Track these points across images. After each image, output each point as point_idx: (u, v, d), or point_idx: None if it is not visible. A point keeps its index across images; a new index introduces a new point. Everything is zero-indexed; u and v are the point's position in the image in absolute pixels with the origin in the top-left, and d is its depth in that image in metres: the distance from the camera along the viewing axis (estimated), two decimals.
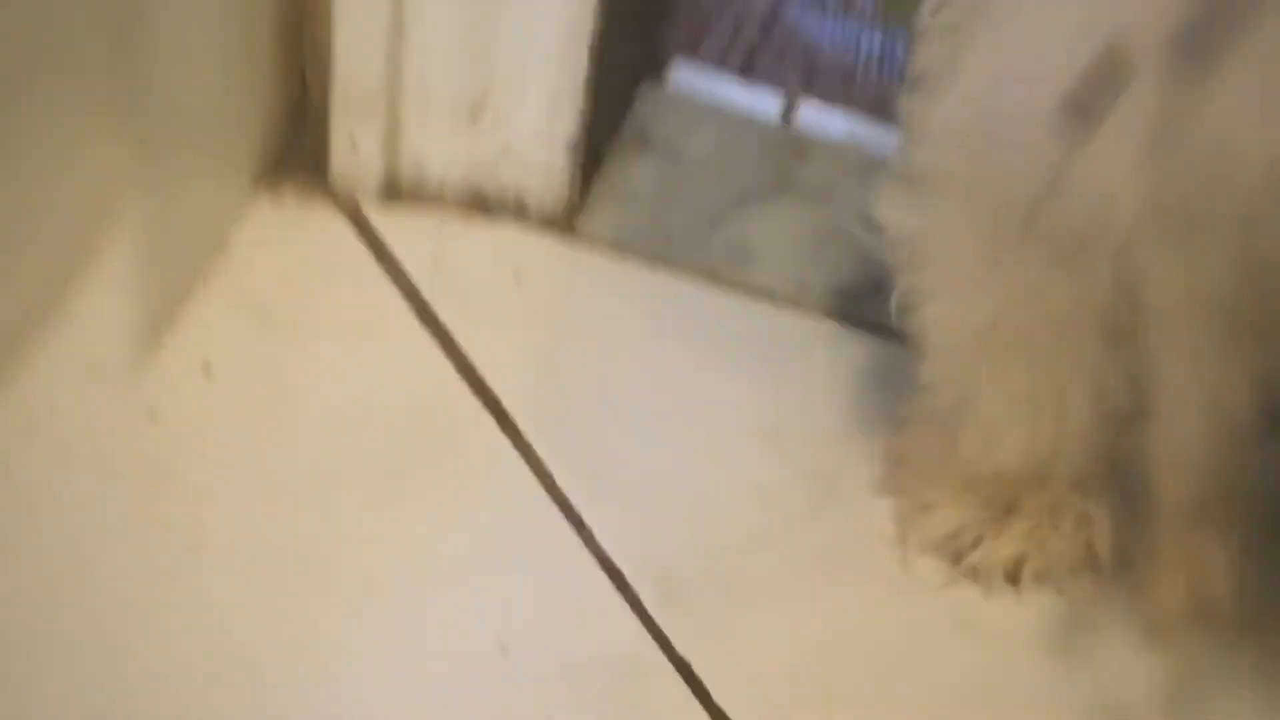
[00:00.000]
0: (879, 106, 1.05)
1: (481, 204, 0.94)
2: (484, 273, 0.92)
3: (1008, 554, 0.84)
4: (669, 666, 0.79)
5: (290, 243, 0.92)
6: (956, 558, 0.85)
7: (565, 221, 0.94)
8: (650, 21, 1.03)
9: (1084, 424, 0.80)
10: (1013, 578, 0.84)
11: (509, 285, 0.92)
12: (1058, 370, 0.79)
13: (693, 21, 1.08)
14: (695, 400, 0.89)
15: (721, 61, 1.07)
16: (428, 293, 0.91)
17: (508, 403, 0.87)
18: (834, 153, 1.01)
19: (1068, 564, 0.85)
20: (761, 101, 1.04)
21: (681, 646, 0.80)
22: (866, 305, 0.93)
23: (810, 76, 1.07)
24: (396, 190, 0.94)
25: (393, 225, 0.93)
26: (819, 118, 1.04)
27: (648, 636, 0.80)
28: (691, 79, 1.04)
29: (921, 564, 0.85)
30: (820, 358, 0.91)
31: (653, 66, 1.03)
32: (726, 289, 0.94)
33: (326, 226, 0.93)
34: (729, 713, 0.78)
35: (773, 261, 0.95)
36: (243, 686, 0.76)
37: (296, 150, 0.94)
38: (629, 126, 0.99)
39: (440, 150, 0.93)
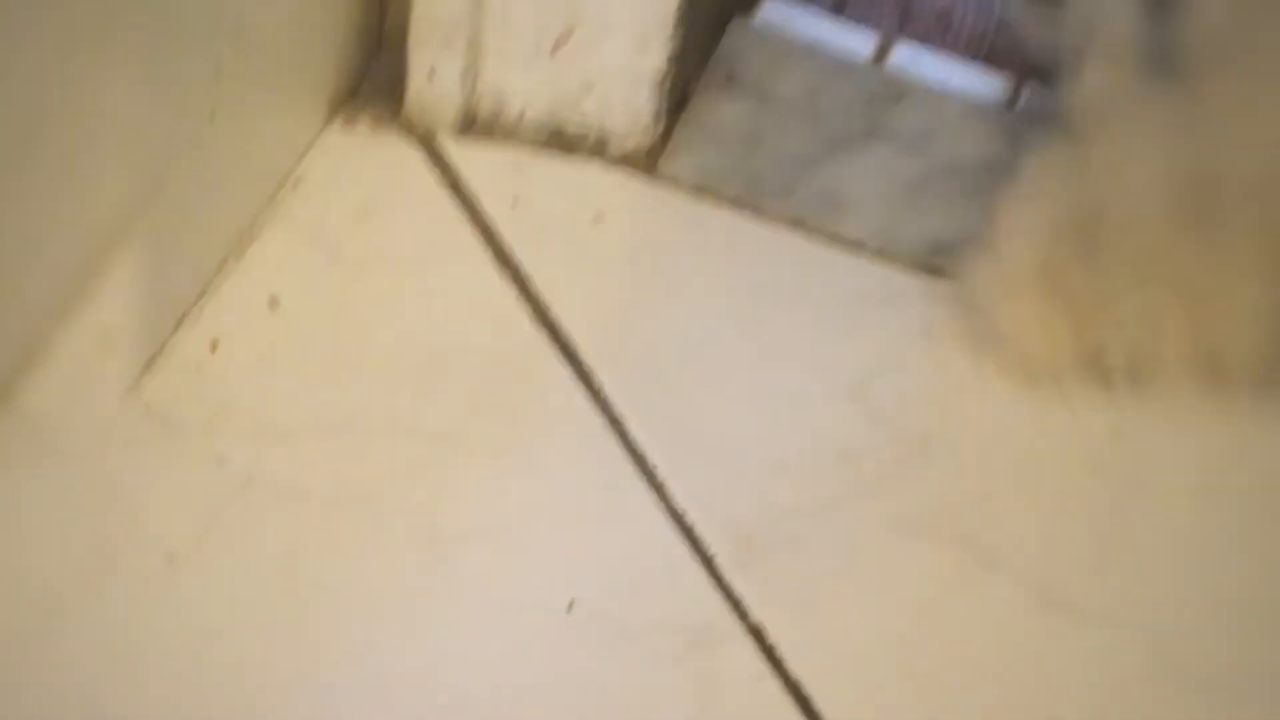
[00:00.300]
0: (978, 49, 1.01)
1: (562, 140, 0.90)
2: (562, 212, 0.89)
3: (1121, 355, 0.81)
4: (743, 633, 0.76)
5: (363, 175, 0.88)
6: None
7: (648, 161, 0.91)
8: None
9: None
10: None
11: (588, 226, 0.89)
12: None
13: None
14: (778, 353, 0.85)
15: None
16: (504, 231, 0.87)
17: (583, 349, 0.84)
18: (930, 98, 0.97)
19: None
20: (854, 41, 1.00)
21: (757, 612, 0.77)
22: (963, 259, 0.89)
23: (906, 16, 1.03)
24: (474, 123, 0.90)
25: (469, 160, 0.90)
26: (915, 60, 1.00)
27: (722, 600, 0.77)
28: (783, 16, 1.00)
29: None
30: (910, 313, 0.87)
31: (743, 2, 0.99)
32: (814, 238, 0.90)
33: (401, 159, 0.89)
34: (804, 684, 0.75)
35: (863, 211, 0.91)
36: (286, 633, 0.73)
37: (372, 79, 0.91)
38: (716, 64, 0.95)
39: (521, 83, 0.89)
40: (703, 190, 0.90)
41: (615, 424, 0.81)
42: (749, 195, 0.90)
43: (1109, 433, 0.83)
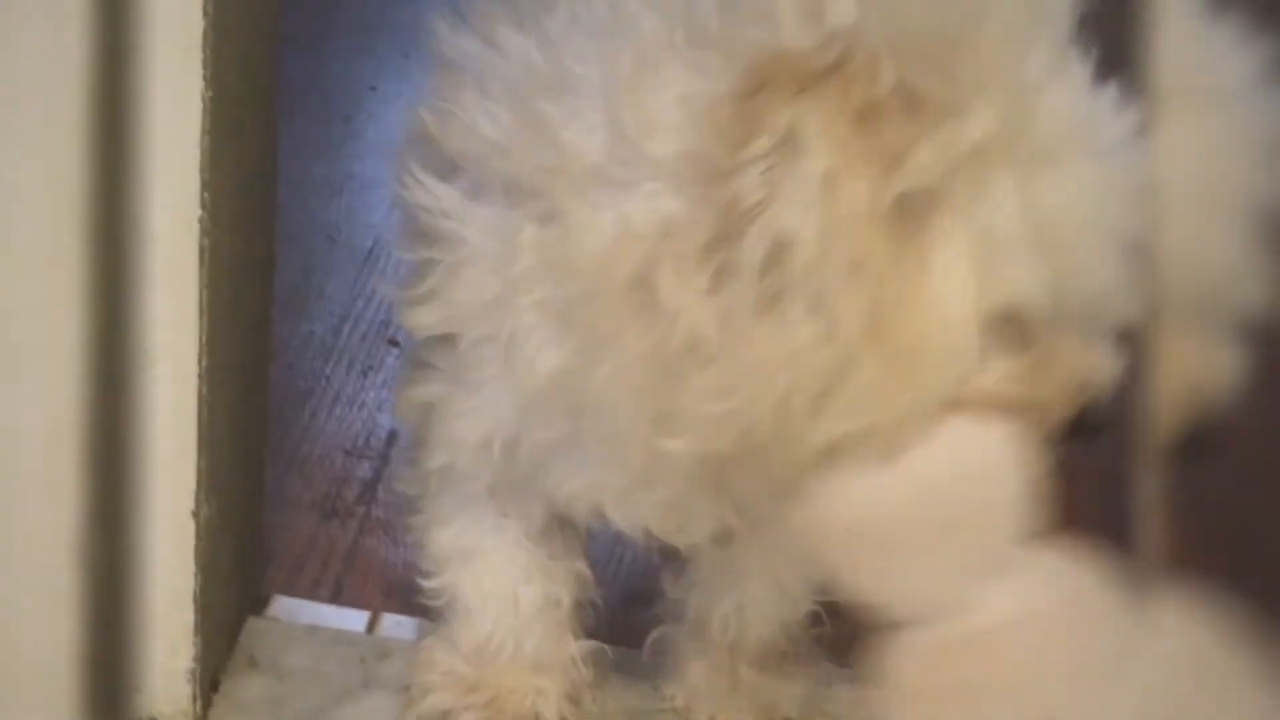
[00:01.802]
0: None
1: None
2: None
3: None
4: None
5: None
6: None
7: None
8: (248, 566, 1.26)
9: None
10: None
11: None
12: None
13: (287, 562, 1.32)
14: None
15: (314, 592, 1.30)
16: None
17: None
18: (410, 651, 1.24)
19: None
20: (350, 618, 1.28)
21: None
22: None
23: (389, 592, 1.31)
24: None
25: None
26: (399, 626, 1.28)
27: None
28: (290, 608, 1.28)
29: None
30: None
31: (256, 602, 1.26)
32: None
33: None
34: None
35: None
36: None
37: None
38: (239, 651, 1.22)
39: None
40: None
41: None
42: None
43: None
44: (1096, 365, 0.92)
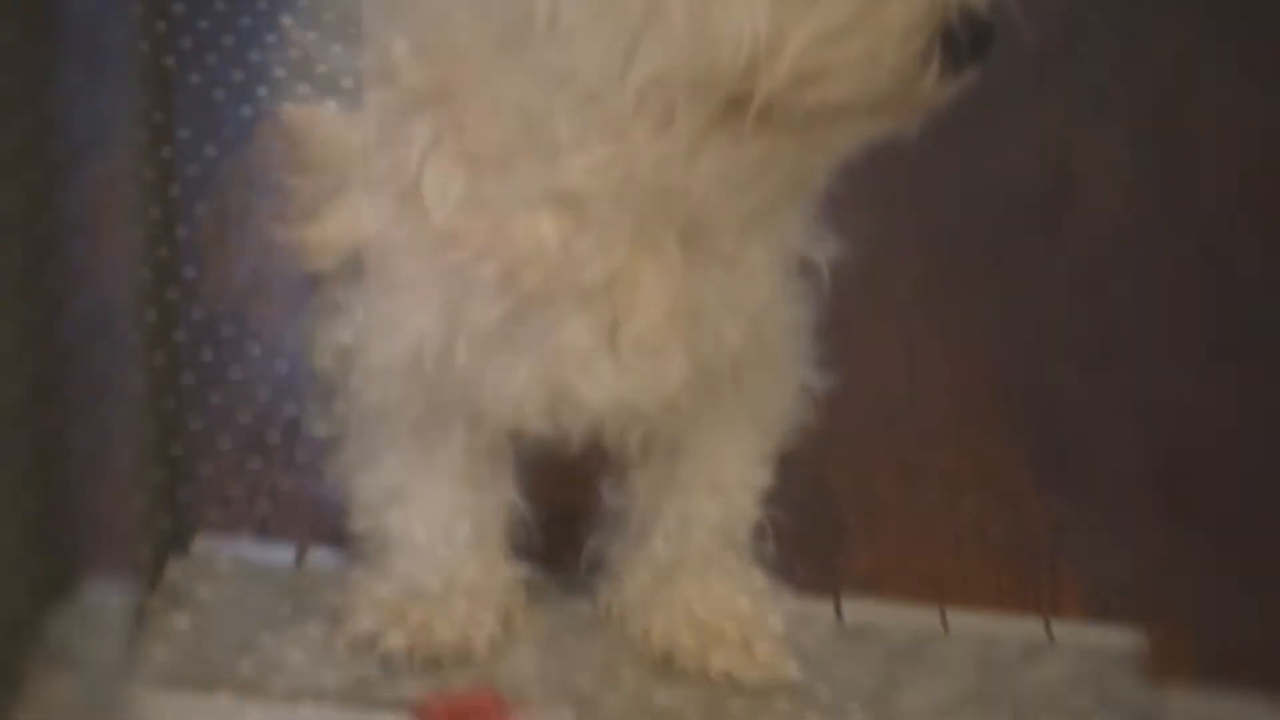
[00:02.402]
0: None
1: None
2: None
3: (402, 643, 1.15)
4: None
5: None
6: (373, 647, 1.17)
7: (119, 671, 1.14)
8: (170, 505, 1.25)
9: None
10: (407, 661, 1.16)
11: None
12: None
13: (212, 501, 1.31)
14: None
15: (240, 529, 1.29)
16: None
17: None
18: (338, 581, 1.23)
19: (450, 654, 1.16)
20: (276, 553, 1.27)
21: None
22: (381, 690, 1.15)
23: (316, 528, 1.30)
24: None
25: None
26: (326, 557, 1.27)
27: None
28: (215, 546, 1.27)
29: None
30: None
31: (180, 541, 1.25)
32: (264, 698, 1.14)
33: None
34: None
35: (297, 669, 1.16)
36: None
37: None
38: (164, 588, 1.21)
39: None
40: (172, 682, 1.14)
41: None
42: (206, 678, 1.15)
43: None
44: None
